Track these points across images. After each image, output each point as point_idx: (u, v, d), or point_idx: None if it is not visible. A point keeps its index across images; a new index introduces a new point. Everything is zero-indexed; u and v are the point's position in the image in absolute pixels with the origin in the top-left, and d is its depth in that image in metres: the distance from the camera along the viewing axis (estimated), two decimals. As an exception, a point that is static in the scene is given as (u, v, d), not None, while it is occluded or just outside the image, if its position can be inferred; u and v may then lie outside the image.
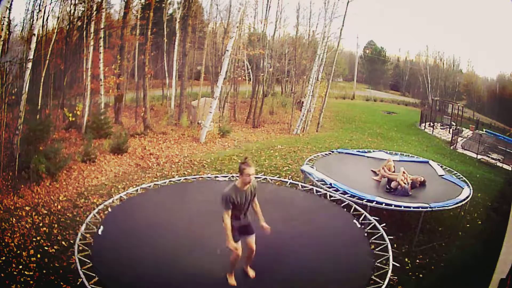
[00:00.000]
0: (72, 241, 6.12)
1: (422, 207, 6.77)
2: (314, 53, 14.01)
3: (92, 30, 10.37)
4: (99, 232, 5.41)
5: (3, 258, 5.88)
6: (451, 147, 12.90)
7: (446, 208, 7.05)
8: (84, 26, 10.43)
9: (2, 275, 5.51)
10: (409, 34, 14.99)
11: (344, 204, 6.72)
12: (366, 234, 5.76)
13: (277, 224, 5.89)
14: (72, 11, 10.47)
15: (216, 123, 12.36)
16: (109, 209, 6.27)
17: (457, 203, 7.14)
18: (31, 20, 9.19)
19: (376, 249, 5.39)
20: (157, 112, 13.01)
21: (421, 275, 6.11)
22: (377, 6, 14.06)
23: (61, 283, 5.40)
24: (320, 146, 11.63)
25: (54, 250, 6.23)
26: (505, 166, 11.20)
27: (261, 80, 13.90)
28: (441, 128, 14.78)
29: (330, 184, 7.43)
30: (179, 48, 12.63)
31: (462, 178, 8.61)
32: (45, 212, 7.32)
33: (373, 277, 4.78)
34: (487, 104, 15.52)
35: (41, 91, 9.26)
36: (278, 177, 8.41)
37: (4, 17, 8.77)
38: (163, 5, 12.41)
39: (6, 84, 8.38)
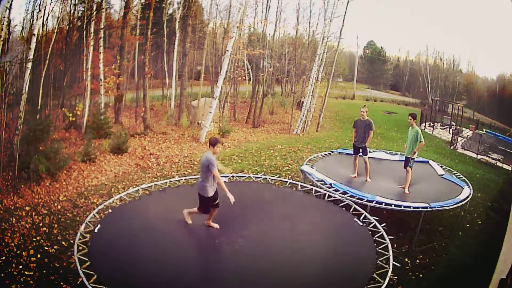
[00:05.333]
0: (72, 241, 6.11)
1: (422, 207, 6.75)
2: (314, 53, 14.01)
3: (92, 30, 10.37)
4: (96, 230, 5.44)
5: (3, 258, 5.87)
6: (451, 147, 12.90)
7: (446, 208, 7.04)
8: (84, 26, 10.44)
9: (2, 275, 5.50)
10: (409, 34, 15.01)
11: (343, 204, 6.72)
12: (370, 232, 5.78)
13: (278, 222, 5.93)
14: (72, 11, 10.48)
15: (216, 123, 12.36)
16: (109, 210, 6.26)
17: (457, 203, 7.13)
18: (31, 20, 9.20)
19: (376, 249, 5.39)
20: (157, 112, 13.00)
21: (421, 275, 6.09)
22: (377, 6, 14.08)
23: (61, 283, 5.39)
24: (320, 146, 11.63)
25: (54, 250, 6.22)
26: (505, 166, 11.19)
27: (261, 80, 13.89)
28: (441, 128, 14.78)
29: (330, 184, 7.43)
30: (179, 48, 12.63)
31: (462, 178, 8.60)
32: (45, 212, 7.32)
33: (374, 275, 4.78)
34: (487, 104, 15.52)
35: (41, 91, 9.26)
36: (278, 177, 8.41)
37: (4, 17, 8.76)
38: (163, 5, 12.41)
39: (6, 84, 8.38)
